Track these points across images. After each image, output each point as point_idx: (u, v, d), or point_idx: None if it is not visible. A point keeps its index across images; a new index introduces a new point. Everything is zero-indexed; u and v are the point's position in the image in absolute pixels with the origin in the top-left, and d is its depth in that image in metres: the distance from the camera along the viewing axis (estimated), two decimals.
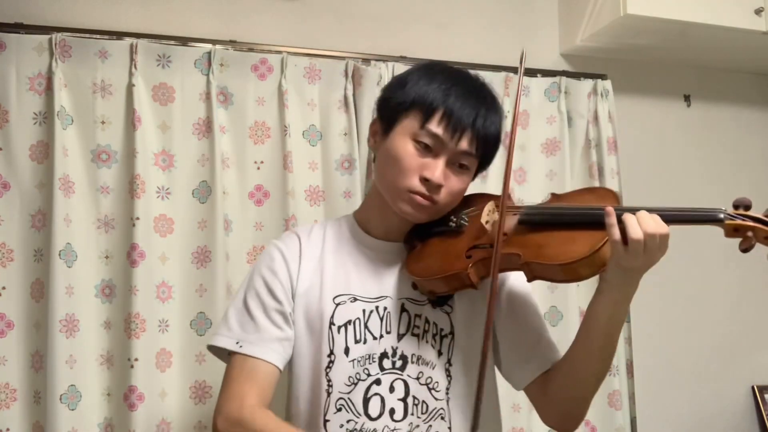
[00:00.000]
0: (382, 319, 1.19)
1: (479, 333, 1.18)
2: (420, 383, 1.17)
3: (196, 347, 1.74)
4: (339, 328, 1.18)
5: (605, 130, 2.18)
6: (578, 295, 2.10)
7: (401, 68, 1.98)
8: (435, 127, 1.13)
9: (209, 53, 1.81)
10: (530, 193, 2.10)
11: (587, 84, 2.19)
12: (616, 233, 1.01)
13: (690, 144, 2.49)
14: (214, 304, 1.74)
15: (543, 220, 1.13)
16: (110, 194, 1.73)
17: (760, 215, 1.00)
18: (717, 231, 2.48)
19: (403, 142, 1.15)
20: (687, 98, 2.51)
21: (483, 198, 1.25)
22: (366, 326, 1.18)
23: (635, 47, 2.28)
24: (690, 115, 2.51)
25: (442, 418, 1.17)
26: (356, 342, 1.17)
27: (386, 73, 1.96)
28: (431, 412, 1.17)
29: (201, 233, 1.77)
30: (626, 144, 2.27)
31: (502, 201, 1.09)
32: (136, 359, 1.66)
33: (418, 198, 1.14)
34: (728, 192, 2.53)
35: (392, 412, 1.15)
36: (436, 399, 1.18)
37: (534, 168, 2.12)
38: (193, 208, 1.79)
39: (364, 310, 1.19)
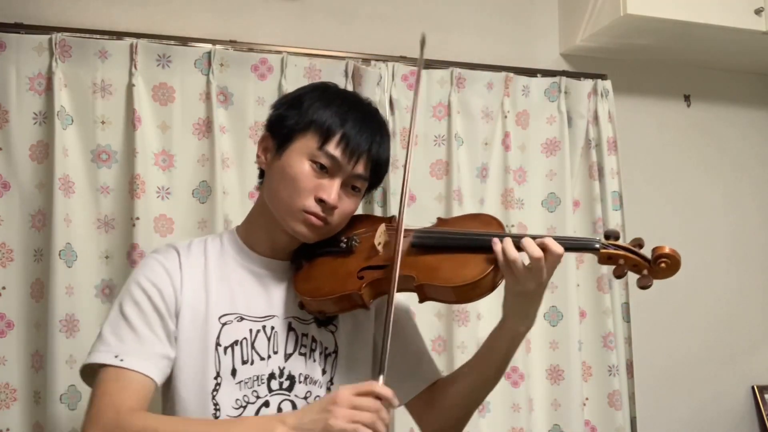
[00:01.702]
0: (269, 339, 1.17)
1: (362, 351, 1.24)
2: (308, 402, 1.16)
3: None
4: (225, 348, 1.14)
5: (605, 130, 2.18)
6: (578, 294, 2.10)
7: (401, 68, 1.99)
8: (333, 149, 1.12)
9: (209, 53, 1.81)
10: (530, 193, 2.11)
11: (587, 84, 2.19)
12: (502, 260, 1.07)
13: (690, 144, 2.49)
14: None
15: (435, 243, 1.16)
16: (110, 194, 1.73)
17: (628, 245, 1.10)
18: (720, 234, 2.48)
19: (299, 161, 1.13)
20: (687, 98, 2.51)
21: (369, 219, 1.27)
22: (253, 346, 1.15)
23: (635, 47, 2.28)
24: (690, 115, 2.51)
25: None
26: (243, 363, 1.14)
27: (386, 73, 1.96)
28: None
29: (201, 233, 1.77)
30: (626, 144, 2.27)
31: (399, 221, 1.13)
32: None
33: (312, 218, 1.13)
34: (728, 192, 2.55)
35: None
36: None
37: (534, 168, 2.12)
38: (193, 208, 1.79)
39: (251, 330, 1.16)
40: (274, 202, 1.17)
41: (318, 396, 1.17)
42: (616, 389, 2.08)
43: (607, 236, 1.11)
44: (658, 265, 1.07)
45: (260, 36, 1.94)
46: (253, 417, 1.12)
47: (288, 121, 1.16)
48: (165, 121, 1.78)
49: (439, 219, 1.27)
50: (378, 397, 0.97)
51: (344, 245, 1.19)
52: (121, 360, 1.08)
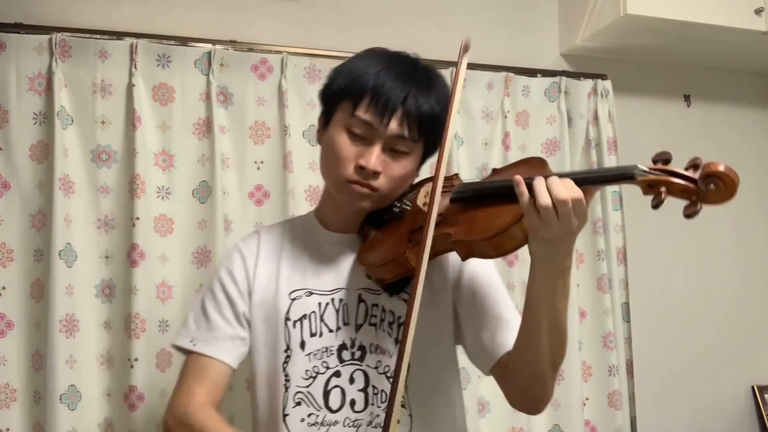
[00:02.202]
0: (338, 311, 1.19)
1: (440, 318, 1.20)
2: (379, 372, 1.17)
3: None
4: (294, 323, 1.18)
5: (605, 130, 2.18)
6: (578, 295, 2.10)
7: None
8: (363, 113, 1.11)
9: (209, 53, 1.81)
10: None
11: (587, 84, 2.19)
12: (526, 201, 0.96)
13: (690, 144, 2.49)
14: None
15: (470, 196, 1.11)
16: (110, 194, 1.73)
17: (673, 168, 0.95)
18: (720, 233, 2.47)
19: (338, 133, 1.14)
20: (687, 98, 2.51)
21: (428, 181, 1.21)
22: (322, 319, 1.18)
23: (635, 47, 2.28)
24: (690, 115, 2.51)
25: (403, 406, 1.16)
26: (312, 335, 1.18)
27: None
28: None
29: (201, 233, 1.78)
30: (626, 144, 2.27)
31: (435, 178, 1.06)
32: (136, 359, 1.67)
33: (356, 187, 1.13)
34: None
35: (353, 403, 1.15)
36: None
37: None
38: (193, 208, 1.79)
39: (319, 303, 1.19)
40: (326, 178, 1.21)
41: (388, 366, 1.17)
42: (616, 389, 2.08)
43: (654, 160, 0.98)
44: (707, 186, 0.91)
45: (260, 36, 1.94)
46: None
47: (328, 92, 1.19)
48: (165, 121, 1.78)
49: (493, 169, 1.21)
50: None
51: (397, 210, 1.19)
52: (194, 345, 1.19)
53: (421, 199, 1.16)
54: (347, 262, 1.22)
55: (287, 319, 1.18)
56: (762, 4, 2.12)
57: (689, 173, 0.95)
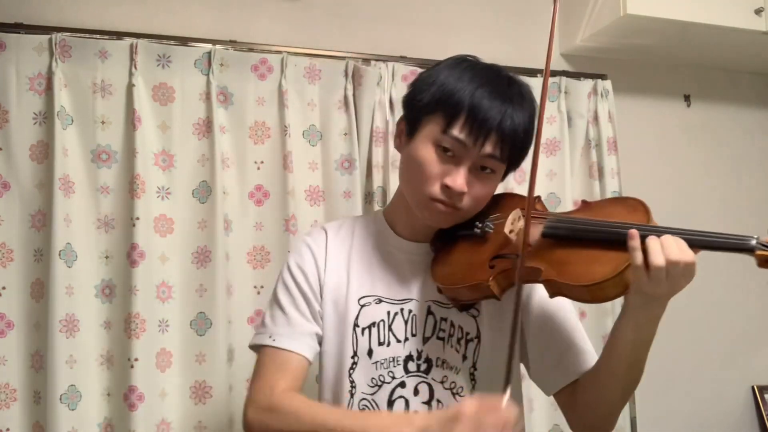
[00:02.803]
0: (407, 322, 1.18)
1: (506, 338, 1.14)
2: (444, 387, 1.16)
3: (196, 347, 1.74)
4: (363, 330, 1.17)
5: (605, 130, 2.18)
6: None
7: (401, 68, 1.98)
8: (458, 132, 1.08)
9: (209, 53, 1.81)
10: None
11: (587, 84, 2.19)
12: (639, 258, 0.95)
13: (690, 144, 2.49)
14: (214, 304, 1.74)
15: (566, 234, 1.07)
16: (110, 194, 1.73)
17: None
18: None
19: (425, 147, 1.11)
20: (687, 98, 2.51)
21: (511, 199, 1.20)
22: (390, 329, 1.17)
23: (635, 47, 2.28)
24: (690, 115, 2.51)
25: None
26: (380, 344, 1.16)
27: (386, 73, 1.96)
28: None
29: (201, 233, 1.77)
30: (626, 144, 2.27)
31: (527, 210, 1.05)
32: (136, 359, 1.66)
33: (439, 206, 1.11)
34: (728, 192, 2.55)
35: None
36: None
37: None
38: (193, 208, 1.79)
39: (388, 312, 1.18)
40: (406, 189, 1.18)
41: (454, 382, 1.17)
42: None
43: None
44: None
45: (260, 36, 1.94)
46: (387, 413, 1.14)
47: (417, 101, 1.14)
48: (165, 121, 1.78)
49: (583, 202, 1.18)
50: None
51: (478, 231, 1.15)
52: (274, 340, 1.16)
53: (507, 226, 1.11)
54: (418, 273, 1.20)
55: (356, 325, 1.17)
56: (762, 4, 2.12)
57: None
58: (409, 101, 1.18)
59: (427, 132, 1.12)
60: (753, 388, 2.49)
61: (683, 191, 2.46)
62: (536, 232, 1.09)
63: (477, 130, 1.08)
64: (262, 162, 1.85)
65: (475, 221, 1.16)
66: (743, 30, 2.12)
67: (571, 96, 2.17)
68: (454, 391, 1.16)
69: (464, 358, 1.17)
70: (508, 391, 0.96)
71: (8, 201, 1.67)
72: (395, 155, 1.94)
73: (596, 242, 1.02)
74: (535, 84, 2.11)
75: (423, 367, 1.16)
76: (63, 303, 1.63)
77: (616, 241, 0.98)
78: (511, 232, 1.10)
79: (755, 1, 2.12)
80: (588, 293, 1.00)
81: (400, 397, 1.15)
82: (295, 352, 1.15)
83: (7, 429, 1.63)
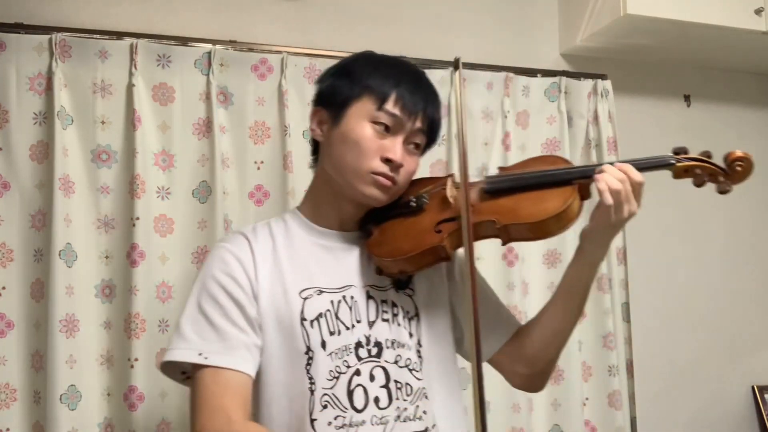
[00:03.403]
0: (351, 309, 1.17)
1: (441, 312, 1.25)
2: (399, 366, 1.16)
3: None
4: (312, 322, 1.14)
5: (605, 130, 2.18)
6: None
7: None
8: (392, 107, 1.15)
9: (209, 53, 1.81)
10: None
11: (587, 84, 2.19)
12: (609, 199, 1.08)
13: (690, 144, 2.45)
14: None
15: (510, 185, 1.17)
16: (110, 194, 1.73)
17: (701, 156, 1.13)
18: (720, 233, 2.47)
19: (360, 124, 1.15)
20: (687, 98, 2.51)
21: (428, 180, 1.28)
22: (337, 317, 1.16)
23: (635, 47, 2.28)
24: (690, 115, 2.51)
25: (426, 397, 1.18)
26: (331, 334, 1.15)
27: None
28: (416, 393, 1.17)
29: (201, 233, 1.77)
30: (626, 144, 2.27)
31: (464, 165, 1.12)
32: (136, 359, 1.66)
33: (381, 179, 1.15)
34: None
35: (377, 400, 1.14)
36: (417, 379, 1.18)
37: None
38: (193, 208, 1.79)
39: (332, 301, 1.17)
40: (340, 170, 1.18)
41: (409, 359, 1.17)
42: (616, 389, 2.08)
43: (676, 152, 1.14)
44: (735, 169, 1.11)
45: (260, 36, 1.94)
46: None
47: (341, 89, 1.19)
48: (165, 121, 1.78)
49: (500, 168, 1.28)
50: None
51: (414, 204, 1.21)
52: (206, 358, 1.09)
53: (449, 191, 1.19)
54: (351, 259, 1.21)
55: (303, 318, 1.14)
56: (762, 4, 2.12)
57: (714, 160, 1.13)
58: (328, 91, 1.22)
59: (358, 112, 1.16)
60: (753, 388, 2.49)
61: (683, 191, 2.45)
62: (475, 192, 1.19)
63: (410, 105, 1.16)
64: (262, 162, 1.85)
65: (403, 198, 1.22)
66: (743, 30, 2.12)
67: (571, 96, 2.17)
68: (410, 367, 1.17)
69: (410, 335, 1.20)
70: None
71: (8, 201, 1.67)
72: None
73: (537, 186, 1.15)
74: (534, 84, 2.14)
75: (374, 351, 1.16)
76: (63, 303, 1.63)
77: (557, 181, 1.14)
78: (451, 196, 1.19)
79: (755, 1, 2.12)
80: (541, 230, 1.12)
81: (358, 385, 1.14)
82: (238, 370, 1.09)
83: (7, 429, 1.63)
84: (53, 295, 1.62)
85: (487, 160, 2.07)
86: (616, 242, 2.17)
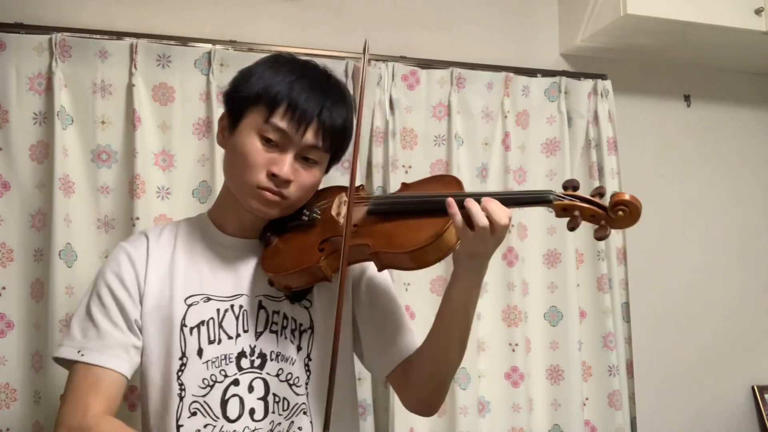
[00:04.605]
0: (237, 318, 1.16)
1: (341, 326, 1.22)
2: (280, 380, 1.16)
3: None
4: (191, 329, 1.14)
5: (605, 130, 2.18)
6: (578, 294, 2.10)
7: (401, 68, 1.99)
8: (279, 121, 1.11)
9: (209, 53, 1.81)
10: None
11: (587, 84, 2.19)
12: (459, 220, 1.04)
13: (690, 144, 2.49)
14: None
15: (390, 209, 1.14)
16: (110, 194, 1.73)
17: (585, 195, 1.05)
18: (720, 234, 2.49)
19: (250, 137, 1.12)
20: (687, 98, 2.51)
21: (334, 190, 1.25)
22: (221, 326, 1.15)
23: (635, 47, 2.28)
24: (690, 115, 2.51)
25: (304, 413, 1.17)
26: (210, 342, 1.14)
27: (386, 73, 1.96)
28: (293, 408, 1.16)
29: None
30: (626, 144, 2.27)
31: (350, 191, 1.11)
32: None
33: (267, 194, 1.12)
34: (729, 192, 2.55)
35: (252, 411, 1.13)
36: (297, 394, 1.17)
37: (534, 168, 2.12)
38: (193, 208, 1.78)
39: (218, 310, 1.16)
40: (230, 181, 1.18)
41: (290, 373, 1.17)
42: (616, 389, 2.08)
43: (565, 187, 1.07)
44: (616, 213, 1.03)
45: (260, 36, 1.94)
46: None
47: (238, 95, 1.16)
48: (165, 121, 1.78)
49: (402, 184, 1.24)
50: None
51: (306, 218, 1.19)
52: (83, 355, 1.11)
53: (334, 209, 1.17)
54: (247, 268, 1.20)
55: (183, 325, 1.14)
56: (762, 4, 2.12)
57: (597, 200, 1.05)
58: (229, 96, 1.19)
59: (249, 123, 1.13)
60: (753, 388, 2.49)
61: (683, 191, 2.46)
62: (361, 212, 1.15)
63: (298, 119, 1.11)
64: None
65: (302, 211, 1.20)
66: (743, 30, 2.12)
67: (571, 96, 2.17)
68: (291, 382, 1.17)
69: (299, 348, 1.18)
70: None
71: (8, 201, 1.67)
72: (395, 155, 1.94)
73: (416, 213, 1.11)
74: (534, 84, 2.14)
75: (257, 362, 1.15)
76: (63, 303, 1.63)
77: (434, 210, 1.08)
78: (337, 215, 1.16)
79: (755, 1, 2.12)
80: (413, 260, 1.07)
81: (234, 395, 1.13)
82: (110, 368, 1.11)
83: (7, 429, 1.63)
84: (53, 295, 1.62)
85: (487, 160, 2.07)
86: (617, 242, 2.17)
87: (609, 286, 2.12)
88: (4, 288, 1.65)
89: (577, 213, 1.04)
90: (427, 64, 2.02)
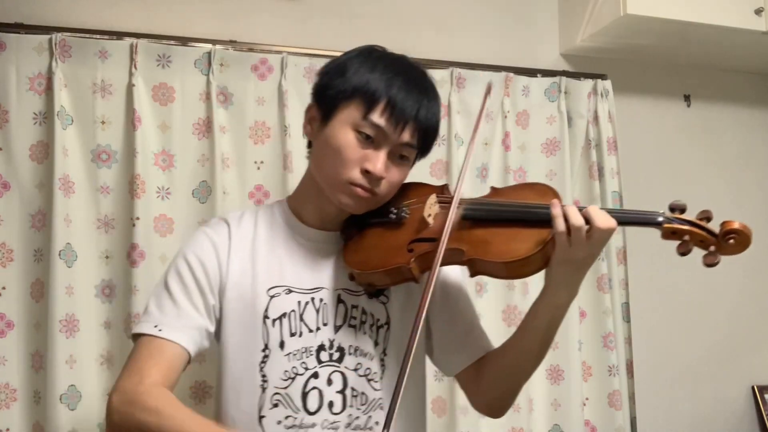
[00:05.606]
0: (318, 311, 1.16)
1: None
2: (358, 374, 1.16)
3: None
4: (274, 321, 1.14)
5: (605, 130, 2.18)
6: (578, 294, 2.09)
7: None
8: (378, 118, 1.09)
9: (209, 53, 1.81)
10: None
11: (587, 84, 2.19)
12: (561, 224, 1.02)
13: (690, 144, 2.49)
14: None
15: (487, 216, 1.12)
16: (110, 194, 1.73)
17: (694, 219, 1.03)
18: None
19: (344, 131, 1.11)
20: (687, 98, 2.51)
21: (420, 188, 1.23)
22: (302, 319, 1.15)
23: (635, 47, 2.28)
24: (690, 115, 2.51)
25: (381, 408, 1.17)
26: (291, 335, 1.14)
27: None
28: (370, 403, 1.17)
29: None
30: (626, 144, 2.27)
31: (456, 195, 1.10)
32: None
33: (359, 190, 1.11)
34: (729, 192, 2.55)
35: (331, 405, 1.14)
36: (374, 389, 1.17)
37: (534, 168, 2.12)
38: (193, 208, 1.79)
39: (299, 302, 1.16)
40: (320, 174, 1.16)
41: (369, 368, 1.17)
42: (616, 389, 2.08)
43: (672, 209, 1.05)
44: (727, 242, 1.02)
45: (260, 36, 1.94)
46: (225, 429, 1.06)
47: (332, 89, 1.14)
48: (165, 121, 1.78)
49: (492, 188, 1.22)
50: None
51: (394, 216, 1.17)
52: (160, 330, 1.10)
53: (426, 210, 1.14)
54: (328, 261, 1.20)
55: (266, 317, 1.14)
56: (762, 4, 2.12)
57: (708, 225, 1.03)
58: (322, 89, 1.17)
59: (345, 117, 1.12)
60: (753, 388, 2.49)
61: (683, 191, 2.45)
62: (456, 215, 1.12)
63: (396, 117, 1.10)
64: (262, 162, 1.85)
65: (387, 208, 1.18)
66: (743, 30, 2.12)
67: (571, 96, 2.17)
68: (369, 377, 1.17)
69: (376, 344, 1.18)
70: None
71: (8, 201, 1.67)
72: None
73: (514, 222, 1.08)
74: (534, 84, 2.14)
75: (336, 356, 1.16)
76: (63, 303, 1.63)
77: (534, 220, 1.06)
78: (429, 216, 1.13)
79: (755, 1, 2.12)
80: (509, 269, 1.06)
81: (314, 388, 1.14)
82: (178, 343, 1.10)
83: (7, 429, 1.63)
84: (53, 295, 1.62)
85: (488, 160, 2.07)
86: (616, 242, 2.17)
87: (609, 286, 2.12)
88: (4, 288, 1.65)
89: (687, 238, 1.03)
90: (426, 64, 2.01)
